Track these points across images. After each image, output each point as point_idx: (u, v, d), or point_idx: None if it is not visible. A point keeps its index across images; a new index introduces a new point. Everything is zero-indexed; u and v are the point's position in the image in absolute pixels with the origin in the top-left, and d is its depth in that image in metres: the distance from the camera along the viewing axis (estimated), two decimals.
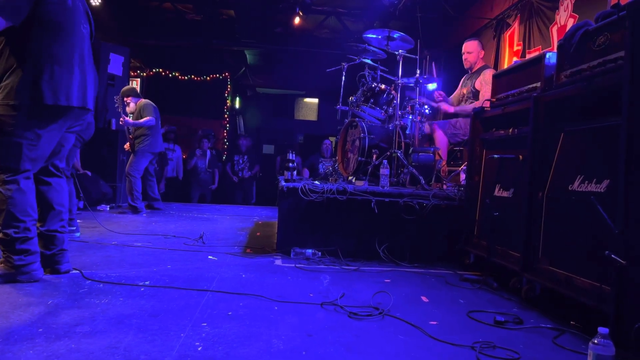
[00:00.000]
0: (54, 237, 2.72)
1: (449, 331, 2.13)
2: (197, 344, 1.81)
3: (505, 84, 3.25)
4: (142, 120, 6.06)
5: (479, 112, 3.54)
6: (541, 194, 2.63)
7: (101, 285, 2.56)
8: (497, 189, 3.19)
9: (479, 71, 4.87)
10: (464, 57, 5.01)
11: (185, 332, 1.92)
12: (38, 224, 2.67)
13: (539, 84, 2.82)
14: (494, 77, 3.48)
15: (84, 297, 2.32)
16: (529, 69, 2.98)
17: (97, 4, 7.46)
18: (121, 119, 5.96)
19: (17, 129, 2.46)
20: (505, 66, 5.70)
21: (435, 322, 2.25)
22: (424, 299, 2.69)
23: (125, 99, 6.22)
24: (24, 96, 2.44)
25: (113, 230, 4.46)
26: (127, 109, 6.21)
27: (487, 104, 3.45)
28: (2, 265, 2.51)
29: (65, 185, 2.87)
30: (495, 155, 3.19)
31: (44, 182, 2.73)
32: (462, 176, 4.38)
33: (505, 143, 3.19)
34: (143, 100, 6.30)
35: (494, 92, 3.41)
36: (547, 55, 2.77)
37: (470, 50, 4.96)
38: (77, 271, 2.78)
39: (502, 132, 3.21)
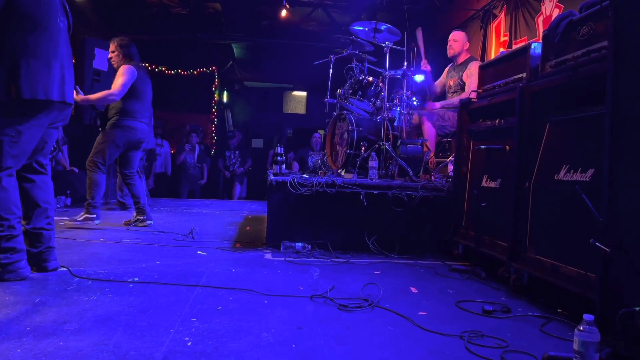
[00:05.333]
0: (40, 235, 2.69)
1: (438, 321, 2.15)
2: (187, 339, 1.81)
3: (492, 75, 3.27)
4: None
5: (466, 103, 3.55)
6: (528, 183, 2.66)
7: (89, 282, 2.54)
8: (484, 180, 3.21)
9: (466, 63, 4.88)
10: (449, 44, 5.02)
11: (175, 328, 1.92)
12: (24, 222, 2.64)
13: (524, 75, 2.83)
14: (481, 68, 3.49)
15: (72, 295, 2.30)
16: (515, 59, 2.99)
17: None
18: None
19: None
20: (492, 57, 5.72)
21: (424, 313, 2.27)
22: (413, 289, 2.70)
23: None
24: (1, 92, 2.41)
25: (101, 227, 4.42)
26: None
27: (474, 95, 3.47)
28: None
29: (50, 182, 2.84)
30: (483, 146, 3.21)
31: (28, 179, 2.70)
32: (450, 167, 4.40)
33: (492, 134, 3.21)
34: None
35: (481, 83, 3.42)
36: (533, 46, 2.79)
37: (457, 38, 4.97)
38: (65, 269, 2.76)
39: (489, 122, 3.23)
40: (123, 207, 5.90)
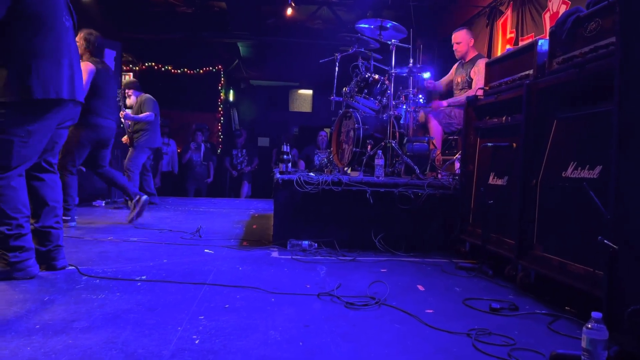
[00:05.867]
0: (48, 234, 2.72)
1: (444, 319, 2.15)
2: (195, 337, 1.82)
3: (498, 72, 3.25)
4: (142, 115, 6.03)
5: (472, 100, 3.54)
6: (535, 181, 2.65)
7: (98, 280, 2.56)
8: (491, 177, 3.20)
9: (473, 60, 4.86)
10: (454, 47, 5.00)
11: (183, 326, 1.93)
12: (32, 221, 2.66)
13: (531, 72, 2.82)
14: (487, 65, 3.48)
15: (80, 293, 2.32)
16: (522, 56, 2.97)
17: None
18: (122, 112, 5.92)
19: (8, 127, 2.44)
20: (499, 54, 5.69)
21: (431, 311, 2.27)
22: (420, 287, 2.70)
23: (126, 91, 6.19)
24: (13, 93, 2.42)
25: (110, 226, 4.45)
26: (127, 102, 6.19)
27: (481, 92, 3.46)
28: None
29: (58, 181, 2.86)
30: (489, 144, 3.20)
31: (37, 178, 2.72)
32: (457, 165, 4.38)
33: (499, 131, 3.20)
34: (144, 95, 6.27)
35: (487, 80, 3.41)
36: (539, 43, 2.77)
37: (459, 40, 4.95)
38: (73, 267, 2.78)
39: (496, 120, 3.22)
40: (126, 204, 5.93)
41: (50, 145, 2.74)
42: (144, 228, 4.46)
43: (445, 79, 5.25)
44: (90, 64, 4.47)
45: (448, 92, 5.24)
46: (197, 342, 1.78)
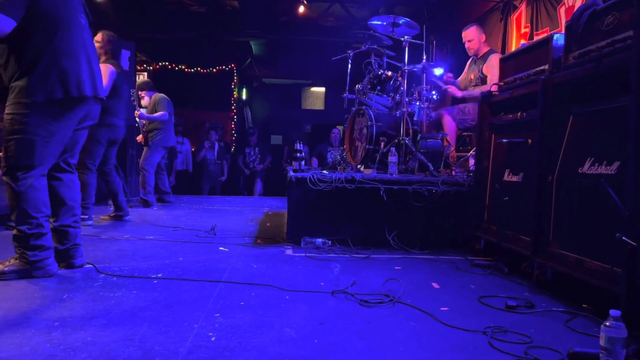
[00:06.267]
0: (67, 232, 2.76)
1: (460, 317, 2.14)
2: (211, 334, 1.84)
3: (513, 67, 3.22)
4: (156, 114, 6.10)
5: (487, 96, 3.51)
6: (551, 177, 2.62)
7: (115, 278, 2.60)
8: (506, 174, 3.17)
9: (486, 56, 4.82)
10: (466, 45, 4.97)
11: (199, 323, 1.95)
12: (51, 220, 2.71)
13: (547, 67, 2.79)
14: (502, 60, 3.45)
15: (98, 291, 2.36)
16: (537, 51, 2.94)
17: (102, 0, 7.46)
18: (136, 112, 5.99)
19: (30, 127, 2.48)
20: (513, 49, 5.63)
21: (446, 308, 2.26)
22: (434, 285, 2.69)
23: (140, 92, 6.28)
24: (36, 93, 2.47)
25: (125, 224, 4.50)
26: (142, 102, 6.27)
27: (495, 88, 3.43)
28: (17, 261, 2.55)
29: (76, 181, 2.91)
30: (504, 140, 3.17)
31: (55, 177, 2.76)
32: (471, 162, 4.35)
33: (514, 127, 3.17)
34: (158, 94, 6.35)
35: (502, 75, 3.38)
36: (555, 37, 2.74)
37: (470, 38, 4.91)
38: (91, 265, 2.82)
39: (511, 116, 3.19)
40: (146, 204, 6.00)
41: (71, 145, 2.78)
42: (160, 226, 4.50)
43: (461, 77, 5.21)
44: (110, 65, 4.56)
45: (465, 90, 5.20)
46: (213, 339, 1.79)
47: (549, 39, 2.79)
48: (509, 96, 3.21)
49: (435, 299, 2.43)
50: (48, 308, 2.08)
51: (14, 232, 2.56)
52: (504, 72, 3.36)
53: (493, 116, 3.46)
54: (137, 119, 6.10)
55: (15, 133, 2.49)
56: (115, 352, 1.65)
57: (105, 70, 4.46)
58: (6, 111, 2.51)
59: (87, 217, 4.43)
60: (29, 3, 2.45)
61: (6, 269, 2.52)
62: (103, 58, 4.59)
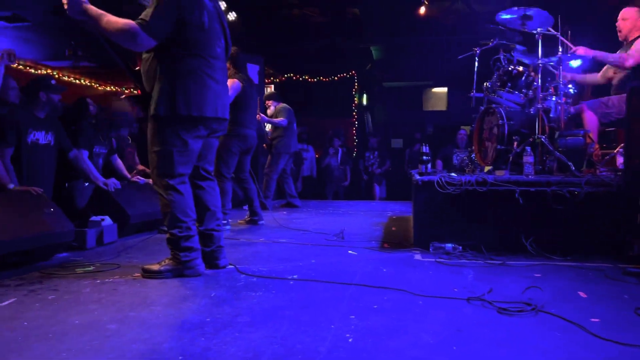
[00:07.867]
0: (212, 236, 3.01)
1: (613, 329, 1.94)
2: (347, 335, 1.88)
3: None
4: (276, 119, 6.48)
5: (638, 87, 3.16)
6: None
7: (254, 279, 2.77)
8: None
9: (633, 41, 4.32)
10: (617, 25, 4.45)
11: (335, 324, 2.00)
12: (197, 224, 2.97)
13: None
14: None
15: (241, 290, 2.53)
16: None
17: (233, 19, 8.04)
18: (258, 115, 6.39)
19: (167, 138, 2.77)
20: None
21: (596, 320, 2.07)
22: (581, 294, 2.48)
23: (267, 102, 6.78)
24: (165, 108, 2.74)
25: (260, 228, 4.79)
26: (268, 112, 6.71)
27: None
28: (171, 261, 2.83)
29: (217, 187, 3.16)
30: None
31: (199, 186, 3.03)
32: (619, 160, 3.94)
33: None
34: (282, 104, 6.79)
35: None
36: None
37: (626, 16, 4.38)
38: (233, 266, 3.03)
39: None
40: (263, 207, 6.30)
41: (205, 153, 3.04)
42: (290, 229, 4.71)
43: (602, 72, 4.72)
44: (236, 80, 4.88)
45: (605, 85, 4.71)
46: (350, 340, 1.83)
47: None
48: None
49: (583, 309, 2.23)
50: (199, 305, 2.28)
51: (167, 235, 2.85)
52: None
53: None
54: (261, 124, 6.50)
55: (156, 145, 2.79)
56: (260, 347, 1.75)
57: (230, 85, 4.78)
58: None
59: (225, 221, 4.78)
60: (174, 29, 2.71)
61: (162, 268, 2.81)
62: (229, 72, 4.93)
